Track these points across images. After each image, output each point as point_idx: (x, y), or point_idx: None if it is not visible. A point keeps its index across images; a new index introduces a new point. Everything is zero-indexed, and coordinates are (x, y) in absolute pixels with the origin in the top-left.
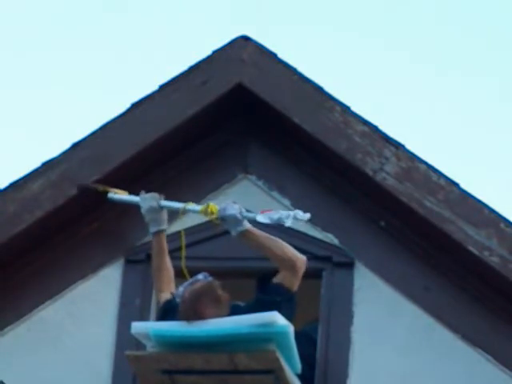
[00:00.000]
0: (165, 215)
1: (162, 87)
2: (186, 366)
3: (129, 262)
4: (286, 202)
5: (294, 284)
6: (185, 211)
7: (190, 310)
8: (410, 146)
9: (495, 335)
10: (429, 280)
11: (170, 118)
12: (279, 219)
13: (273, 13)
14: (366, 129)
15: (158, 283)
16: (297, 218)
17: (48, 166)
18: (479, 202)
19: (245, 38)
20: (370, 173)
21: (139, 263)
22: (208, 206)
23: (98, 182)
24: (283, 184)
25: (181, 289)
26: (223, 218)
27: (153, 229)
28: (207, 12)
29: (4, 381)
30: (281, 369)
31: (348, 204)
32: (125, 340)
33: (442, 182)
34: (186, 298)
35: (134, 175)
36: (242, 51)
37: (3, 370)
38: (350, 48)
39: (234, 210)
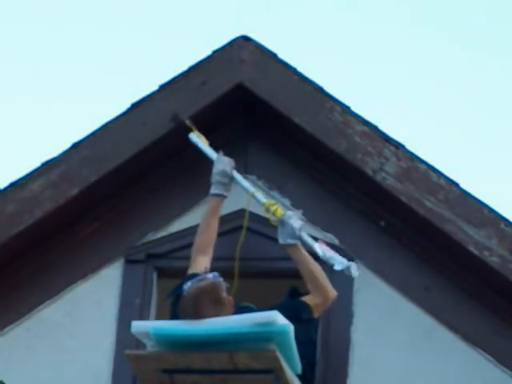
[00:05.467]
0: (231, 184)
1: (162, 87)
2: (186, 366)
3: (129, 262)
4: (286, 201)
5: (319, 312)
6: (251, 196)
7: (190, 307)
8: (410, 146)
9: (495, 335)
10: (429, 280)
11: (170, 118)
12: (331, 259)
13: (273, 13)
14: (366, 129)
15: (201, 242)
16: (349, 269)
17: (48, 166)
18: (479, 202)
19: (245, 38)
20: (370, 173)
21: (139, 263)
22: (274, 204)
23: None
24: (283, 184)
25: (189, 283)
26: (282, 224)
27: (215, 191)
28: (207, 12)
29: (4, 381)
30: (281, 368)
31: (348, 204)
32: (125, 340)
33: (442, 182)
34: (190, 293)
35: (134, 175)
36: (242, 51)
37: (3, 370)
38: (349, 48)
39: (296, 223)
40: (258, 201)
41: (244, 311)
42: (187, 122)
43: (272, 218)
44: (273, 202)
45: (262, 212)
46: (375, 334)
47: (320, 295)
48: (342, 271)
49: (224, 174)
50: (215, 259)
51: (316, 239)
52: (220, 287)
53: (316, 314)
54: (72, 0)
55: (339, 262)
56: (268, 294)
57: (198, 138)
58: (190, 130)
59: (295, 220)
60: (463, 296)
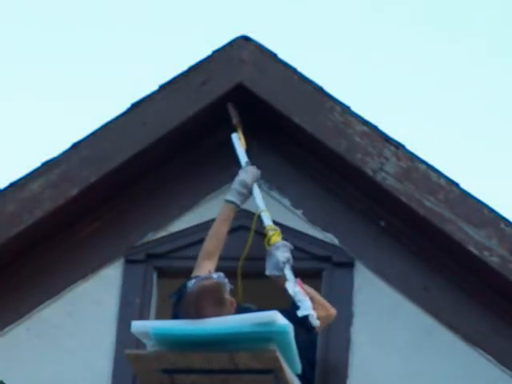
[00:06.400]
0: (249, 197)
1: (162, 87)
2: (186, 366)
3: (129, 262)
4: (286, 201)
5: (321, 325)
6: (258, 215)
7: (192, 304)
8: (410, 146)
9: (495, 335)
10: (429, 280)
11: (170, 118)
12: (299, 301)
13: (273, 13)
14: (366, 129)
15: (208, 247)
16: (308, 318)
17: (48, 166)
18: (479, 202)
19: (245, 38)
20: (370, 173)
21: (139, 263)
22: (274, 231)
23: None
24: (283, 184)
25: (192, 281)
26: (270, 254)
27: (231, 198)
28: (207, 12)
29: (4, 381)
30: (281, 368)
31: (348, 204)
32: (125, 340)
33: (442, 182)
34: (193, 291)
35: (134, 175)
36: (242, 51)
37: (3, 370)
38: (349, 48)
39: (282, 256)
40: (262, 221)
41: (245, 312)
42: (234, 121)
43: (265, 243)
44: (273, 227)
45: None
46: (375, 334)
47: (322, 310)
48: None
49: (244, 184)
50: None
51: (296, 277)
52: (223, 288)
53: (319, 325)
54: (72, 0)
55: (305, 308)
56: (271, 294)
57: (237, 139)
58: (235, 130)
59: (282, 252)
60: (463, 296)
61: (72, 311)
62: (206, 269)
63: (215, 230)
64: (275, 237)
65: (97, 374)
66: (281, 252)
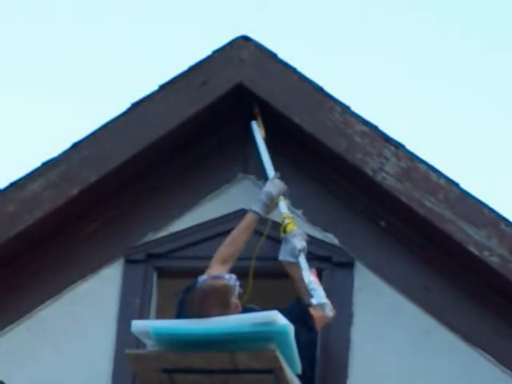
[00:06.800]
0: (274, 208)
1: (162, 87)
2: (186, 365)
3: (129, 262)
4: (286, 201)
5: (320, 324)
6: (271, 220)
7: (198, 301)
8: (410, 146)
9: (495, 335)
10: (429, 280)
11: (170, 117)
12: (313, 290)
13: (273, 13)
14: (365, 129)
15: (224, 253)
16: (323, 308)
17: (48, 166)
18: (479, 202)
19: (245, 38)
20: (370, 173)
21: (139, 263)
22: (290, 219)
23: None
24: None
25: (204, 277)
26: (286, 241)
27: (256, 208)
28: (207, 12)
29: (4, 381)
30: (280, 368)
31: (348, 204)
32: (125, 340)
33: (442, 182)
34: (202, 288)
35: (134, 175)
36: (242, 51)
37: (3, 370)
38: (349, 48)
39: (299, 244)
40: (279, 208)
41: (247, 312)
42: (255, 109)
43: (282, 232)
44: (290, 215)
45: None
46: (375, 334)
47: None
48: (319, 304)
49: (270, 196)
50: (210, 259)
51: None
52: (232, 291)
53: (318, 326)
54: (73, 0)
55: (319, 297)
56: (273, 294)
57: (257, 128)
58: (255, 118)
59: (299, 240)
60: (463, 296)
61: (72, 311)
62: (217, 272)
63: (234, 237)
64: (291, 225)
65: (97, 374)
66: (298, 240)
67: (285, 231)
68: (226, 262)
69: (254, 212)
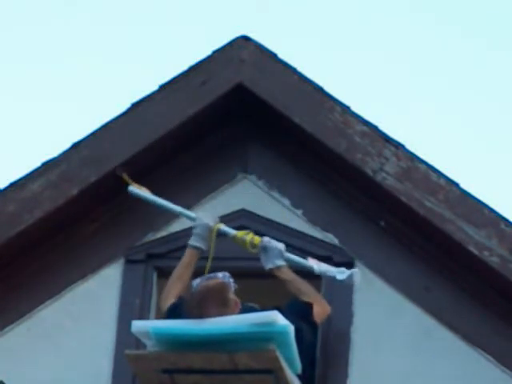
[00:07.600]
0: (213, 238)
1: (162, 87)
2: (186, 366)
3: (129, 262)
4: (286, 201)
5: (318, 320)
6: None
7: (195, 304)
8: (410, 146)
9: (495, 335)
10: (429, 280)
11: (170, 117)
12: (328, 271)
13: (273, 13)
14: (365, 129)
15: (171, 291)
16: (351, 277)
17: (48, 166)
18: (479, 202)
19: (245, 38)
20: (370, 173)
21: (139, 263)
22: (248, 233)
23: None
24: (283, 184)
25: (197, 280)
26: (265, 249)
27: (194, 243)
28: (207, 12)
29: (4, 381)
30: (280, 368)
31: (348, 204)
32: (125, 340)
33: (442, 181)
34: (197, 291)
35: (133, 175)
36: (242, 51)
37: (3, 370)
38: (349, 48)
39: (279, 245)
40: (225, 234)
41: (248, 312)
42: (123, 175)
43: (250, 247)
44: (245, 231)
45: (260, 212)
46: (375, 334)
47: (318, 305)
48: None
49: (206, 228)
50: (215, 259)
51: (304, 257)
52: (228, 288)
53: (318, 320)
54: (73, 0)
55: (340, 272)
56: (271, 294)
57: (138, 189)
58: (127, 184)
59: (274, 243)
60: (463, 296)
61: (72, 311)
62: (172, 301)
63: (179, 274)
64: (256, 237)
65: (97, 374)
66: (273, 243)
67: (254, 245)
68: (176, 296)
69: (193, 246)
